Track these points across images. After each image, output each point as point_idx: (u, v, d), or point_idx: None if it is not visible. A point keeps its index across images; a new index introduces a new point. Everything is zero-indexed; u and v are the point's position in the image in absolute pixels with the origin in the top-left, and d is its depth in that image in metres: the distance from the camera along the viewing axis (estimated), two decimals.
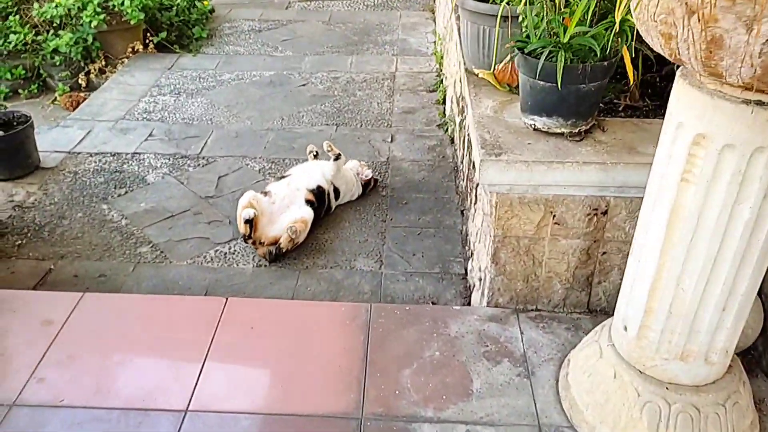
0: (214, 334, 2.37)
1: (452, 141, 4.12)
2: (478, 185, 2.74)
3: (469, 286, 2.90)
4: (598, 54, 2.01)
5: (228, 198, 3.52)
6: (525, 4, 2.20)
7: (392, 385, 2.20)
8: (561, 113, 2.20)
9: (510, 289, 2.47)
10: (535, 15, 2.19)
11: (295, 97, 4.98)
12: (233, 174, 3.74)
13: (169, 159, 3.88)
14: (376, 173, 3.77)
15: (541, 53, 2.14)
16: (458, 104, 3.83)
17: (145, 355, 2.29)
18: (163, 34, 5.83)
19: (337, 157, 3.37)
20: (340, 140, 4.10)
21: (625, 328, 1.90)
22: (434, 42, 6.18)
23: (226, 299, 2.57)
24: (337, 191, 3.42)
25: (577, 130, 2.24)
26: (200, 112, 4.65)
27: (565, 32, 2.06)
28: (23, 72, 5.59)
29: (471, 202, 2.96)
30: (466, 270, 3.01)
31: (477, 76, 2.73)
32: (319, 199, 3.26)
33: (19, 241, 3.16)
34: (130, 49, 5.73)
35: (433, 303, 2.82)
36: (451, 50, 4.50)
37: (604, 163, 2.14)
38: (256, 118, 4.58)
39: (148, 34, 5.85)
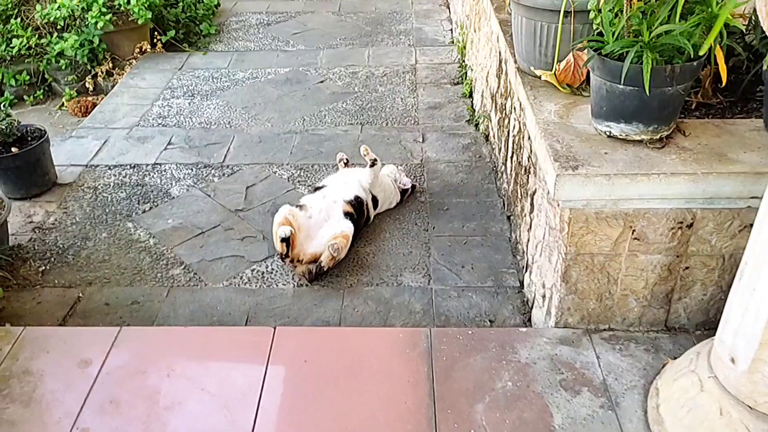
0: (266, 371, 2.20)
1: (487, 138, 3.91)
2: (535, 193, 2.55)
3: (527, 300, 2.72)
4: (691, 54, 1.81)
5: (259, 211, 3.32)
6: None
7: (466, 424, 2.02)
8: (642, 119, 2.00)
9: (581, 308, 2.28)
10: (610, 11, 1.98)
11: (315, 95, 4.76)
12: (261, 184, 3.54)
13: (191, 169, 3.68)
14: (412, 176, 3.57)
15: (620, 54, 1.93)
16: (493, 100, 3.63)
17: (195, 398, 2.11)
18: (171, 33, 5.61)
19: (374, 163, 3.17)
20: (369, 142, 3.89)
21: (733, 360, 1.71)
22: (450, 30, 5.95)
23: (274, 329, 2.39)
24: (375, 200, 3.22)
25: (658, 137, 2.05)
26: (217, 115, 4.44)
27: (648, 30, 1.85)
28: (28, 77, 5.37)
29: (525, 211, 2.77)
30: (521, 282, 2.82)
31: (535, 77, 2.52)
32: (357, 210, 3.06)
33: (43, 267, 2.98)
34: (137, 50, 5.51)
35: (491, 321, 2.64)
36: (478, 41, 4.28)
37: (695, 174, 1.95)
38: (277, 120, 4.38)
39: (156, 34, 5.62)
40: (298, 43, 5.78)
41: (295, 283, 2.85)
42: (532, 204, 2.66)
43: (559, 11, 2.33)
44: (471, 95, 4.65)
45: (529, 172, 2.71)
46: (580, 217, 2.09)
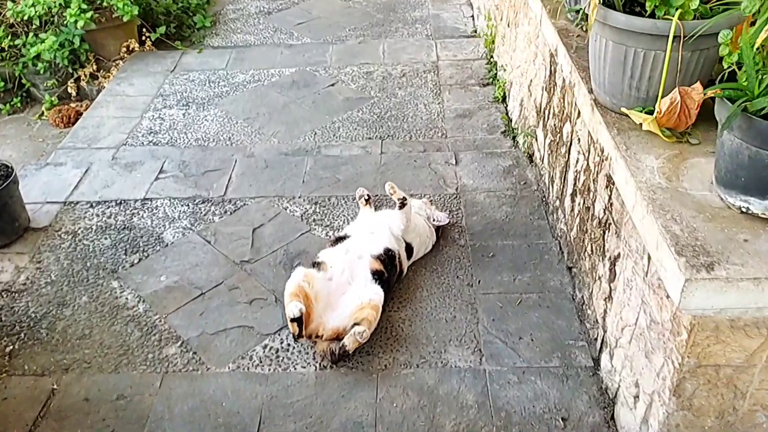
0: None
1: (531, 159, 3.35)
2: (618, 258, 2.01)
3: (606, 388, 2.19)
4: None
5: (268, 262, 2.78)
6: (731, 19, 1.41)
7: None
8: None
9: (695, 425, 1.76)
10: (757, 49, 1.41)
11: (326, 101, 4.19)
12: (270, 224, 2.99)
13: (188, 205, 3.12)
14: (446, 210, 3.01)
15: None
16: (540, 115, 3.07)
17: None
18: (162, 29, 5.01)
19: (403, 204, 2.62)
20: (393, 166, 3.34)
21: None
22: (472, 17, 5.34)
23: None
24: (409, 248, 2.68)
25: None
26: (216, 129, 3.88)
27: None
28: (2, 83, 4.79)
29: (600, 274, 2.22)
30: (594, 361, 2.29)
31: (621, 114, 1.96)
32: (388, 266, 2.52)
33: (11, 346, 2.45)
34: (124, 49, 4.92)
35: (563, 420, 2.11)
36: (513, 38, 3.68)
37: None
38: (284, 135, 3.82)
39: (144, 30, 5.02)
40: (303, 36, 5.18)
41: (317, 365, 2.33)
42: (613, 271, 2.11)
43: (662, 36, 1.75)
44: (504, 100, 4.07)
45: (607, 228, 2.16)
46: (708, 325, 1.55)
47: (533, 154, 3.32)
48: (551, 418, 2.13)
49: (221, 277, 2.71)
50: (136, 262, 2.80)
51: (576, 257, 2.57)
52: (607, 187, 2.16)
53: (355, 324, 2.28)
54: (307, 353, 2.37)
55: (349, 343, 2.24)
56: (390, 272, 2.52)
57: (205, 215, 3.06)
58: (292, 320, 2.26)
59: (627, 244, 1.96)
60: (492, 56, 4.56)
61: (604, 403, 2.17)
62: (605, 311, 2.22)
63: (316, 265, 2.50)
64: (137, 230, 2.99)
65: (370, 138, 3.78)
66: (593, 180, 2.32)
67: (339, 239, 2.63)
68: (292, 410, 2.18)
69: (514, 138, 3.69)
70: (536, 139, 3.23)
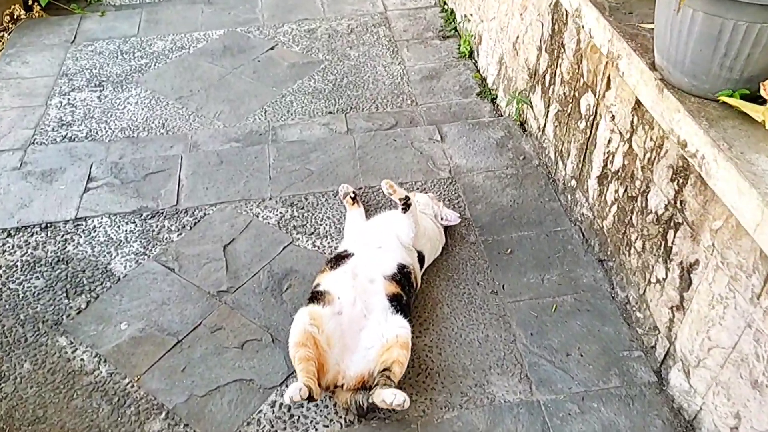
0: None
1: (523, 128, 2.97)
2: (695, 266, 1.70)
3: (678, 407, 1.92)
4: None
5: (252, 289, 2.30)
6: None
7: None
8: None
9: None
10: None
11: (268, 70, 3.63)
12: (242, 238, 2.49)
13: (134, 222, 2.56)
14: (445, 201, 2.61)
15: None
16: (535, 80, 2.70)
17: None
18: None
19: (407, 206, 2.19)
20: (371, 148, 2.89)
21: None
22: None
23: None
24: (420, 257, 2.28)
25: None
26: (143, 114, 3.27)
27: None
28: None
29: (661, 278, 1.92)
30: (657, 374, 2.01)
31: (706, 99, 1.61)
32: (405, 285, 2.11)
33: None
34: (7, 18, 4.09)
35: None
36: None
37: None
38: (229, 116, 3.26)
39: None
40: None
41: (342, 420, 1.92)
42: (686, 279, 1.81)
43: None
44: (472, 55, 3.64)
45: (673, 228, 1.84)
46: None
47: (526, 122, 2.95)
48: None
49: (198, 315, 2.21)
50: (83, 307, 2.25)
51: (611, 250, 2.25)
52: (673, 180, 1.83)
53: (385, 370, 1.88)
54: (327, 406, 1.96)
55: (380, 403, 1.83)
56: (408, 293, 2.12)
57: (158, 233, 2.51)
58: (304, 399, 1.81)
59: (719, 255, 1.64)
60: (446, 3, 4.08)
61: (681, 426, 1.90)
62: (671, 320, 1.92)
63: (318, 296, 2.06)
64: (76, 263, 2.40)
65: (331, 112, 3.28)
66: (643, 168, 1.97)
67: (339, 258, 2.18)
68: None
69: (493, 101, 3.30)
70: (531, 107, 2.85)
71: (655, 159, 1.91)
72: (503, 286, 2.31)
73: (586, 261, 2.39)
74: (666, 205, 1.88)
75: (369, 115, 3.25)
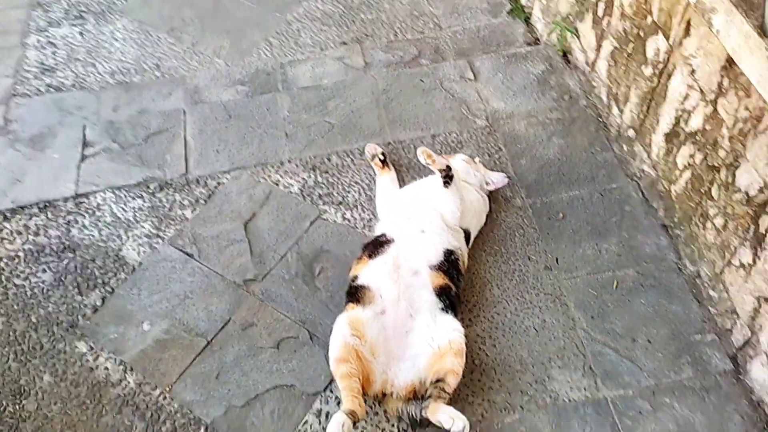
0: None
1: (566, 59, 2.63)
2: None
3: (758, 401, 1.78)
4: None
5: (282, 276, 2.10)
6: None
7: None
8: None
9: None
10: None
11: None
12: (264, 212, 2.25)
13: (141, 196, 2.31)
14: (485, 155, 2.34)
15: None
16: (583, 2, 2.32)
17: None
18: None
19: (448, 178, 1.94)
20: (395, 91, 2.60)
21: None
22: None
23: None
24: (467, 235, 2.04)
25: None
26: (134, 53, 2.92)
27: None
28: None
29: (756, 271, 1.70)
30: (733, 361, 1.84)
31: None
32: (453, 274, 1.90)
33: None
34: None
35: None
36: None
37: None
38: (230, 52, 2.91)
39: None
40: None
41: (395, 427, 1.78)
42: None
43: None
44: None
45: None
46: None
47: (570, 52, 2.60)
48: None
49: (225, 311, 2.01)
50: (99, 304, 2.05)
51: (680, 217, 2.02)
52: None
53: (439, 381, 1.71)
54: (377, 413, 1.82)
55: (435, 421, 1.67)
56: (457, 283, 1.91)
57: (170, 210, 2.27)
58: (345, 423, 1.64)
59: None
60: None
61: (762, 421, 1.76)
62: (756, 311, 1.73)
63: (356, 292, 1.85)
64: (84, 250, 2.18)
65: (344, 43, 2.91)
66: (732, 139, 1.69)
67: (378, 245, 1.94)
68: None
69: (526, 21, 2.91)
70: (578, 36, 2.49)
71: (749, 132, 1.63)
72: (557, 259, 2.09)
73: (648, 226, 2.16)
74: (762, 188, 1.62)
75: (387, 44, 2.89)
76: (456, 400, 1.78)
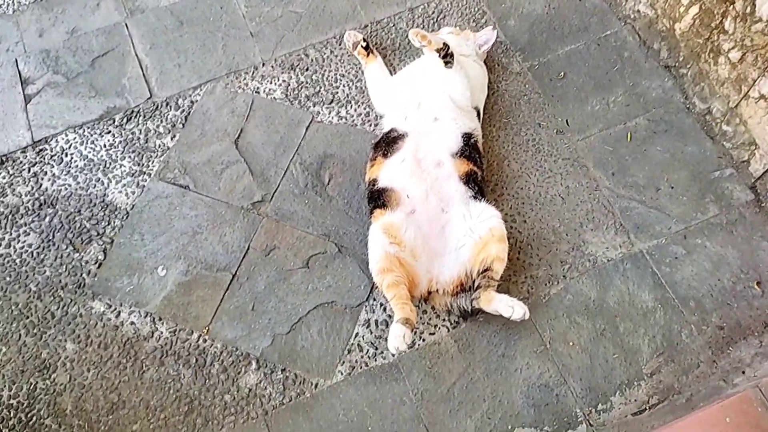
0: None
1: None
2: None
3: None
4: None
5: (291, 191, 1.98)
6: None
7: None
8: None
9: None
10: None
11: None
12: (252, 125, 2.08)
13: (109, 131, 2.09)
14: (470, 22, 2.20)
15: None
16: None
17: None
18: None
19: (448, 56, 1.82)
20: None
21: None
22: None
23: None
24: (478, 113, 1.96)
25: None
26: None
27: None
28: None
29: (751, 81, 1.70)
30: (752, 191, 1.90)
31: None
32: (476, 157, 1.83)
33: None
34: None
35: (758, 284, 1.79)
36: None
37: None
38: None
39: None
40: None
41: (448, 324, 1.79)
42: None
43: None
44: None
45: None
46: None
47: None
48: (744, 288, 1.79)
49: (242, 239, 1.90)
50: (101, 258, 1.89)
51: (685, 55, 1.97)
52: None
53: (486, 270, 1.68)
54: (425, 311, 1.80)
55: (492, 310, 1.67)
56: (481, 166, 1.84)
57: (146, 141, 2.06)
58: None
59: None
60: None
61: None
62: None
63: (380, 196, 1.76)
64: (64, 202, 1.98)
65: None
66: None
67: (391, 142, 1.83)
68: (457, 400, 1.69)
69: None
70: None
71: None
72: (567, 121, 2.04)
73: (649, 69, 2.10)
74: None
75: None
76: (499, 282, 1.76)
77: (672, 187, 1.91)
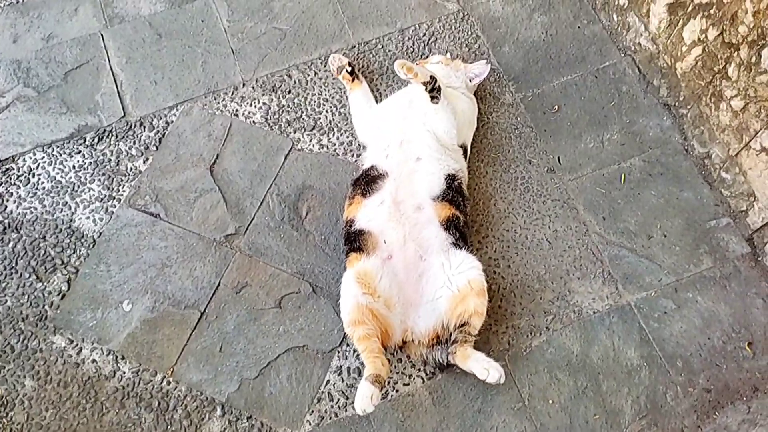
0: None
1: None
2: None
3: None
4: None
5: (266, 223, 1.90)
6: None
7: None
8: None
9: None
10: None
11: None
12: (228, 150, 1.99)
13: (78, 151, 2.00)
14: (462, 46, 2.10)
15: None
16: None
17: None
18: None
19: (435, 90, 1.72)
20: None
21: None
22: None
23: None
24: (465, 151, 1.86)
25: None
26: None
27: None
28: None
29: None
30: (749, 243, 1.81)
31: None
32: (459, 201, 1.74)
33: None
34: None
35: (749, 345, 1.71)
36: None
37: None
38: None
39: None
40: None
41: (422, 375, 1.71)
42: None
43: None
44: None
45: None
46: None
47: None
48: (735, 348, 1.71)
49: (212, 273, 1.82)
50: (65, 288, 1.81)
51: (686, 96, 1.87)
52: None
53: (463, 325, 1.61)
54: (400, 360, 1.72)
55: (467, 369, 1.59)
56: (464, 210, 1.75)
57: (118, 164, 1.97)
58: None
59: None
60: None
61: None
62: None
63: (356, 239, 1.68)
64: (29, 227, 1.89)
65: None
66: (757, 14, 1.51)
67: (370, 180, 1.73)
68: None
69: None
70: None
71: None
72: (559, 159, 1.94)
73: (648, 106, 2.00)
74: None
75: None
76: (479, 331, 1.67)
77: (665, 235, 1.83)
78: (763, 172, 1.67)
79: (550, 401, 1.65)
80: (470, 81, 1.93)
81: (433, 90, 1.72)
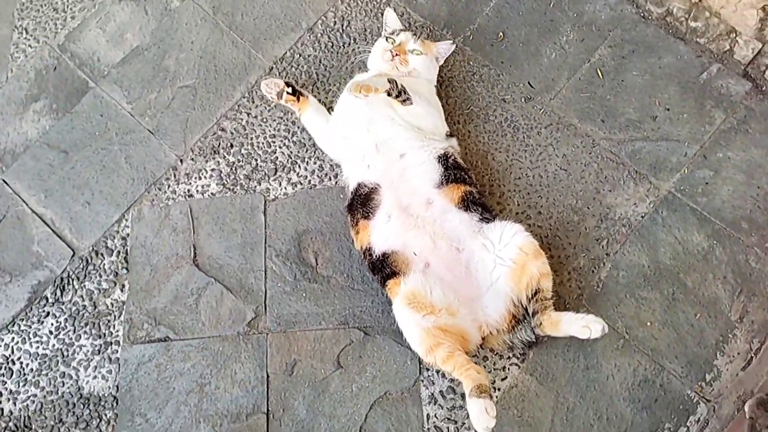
0: None
1: None
2: None
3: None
4: None
5: (280, 290, 1.72)
6: None
7: None
8: None
9: None
10: None
11: None
12: (203, 233, 1.78)
13: (47, 314, 1.77)
14: (374, 15, 1.93)
15: None
16: None
17: None
18: None
19: (401, 93, 1.57)
20: (226, 1, 2.00)
21: None
22: None
23: None
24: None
25: None
26: None
27: None
28: None
29: None
30: (747, 78, 1.74)
31: None
32: (462, 174, 1.60)
33: None
34: None
35: None
36: None
37: None
38: None
39: None
40: None
41: (516, 361, 1.59)
42: None
43: None
44: None
45: None
46: None
47: None
48: None
49: (256, 368, 1.65)
50: None
51: None
52: None
53: (536, 293, 1.48)
54: (486, 357, 1.59)
55: (564, 335, 1.47)
56: (472, 182, 1.61)
57: (96, 306, 1.75)
58: None
59: None
60: None
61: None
62: (763, 21, 1.57)
63: (384, 266, 1.52)
64: (38, 419, 1.68)
65: None
66: None
67: (364, 200, 1.57)
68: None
69: None
70: None
71: None
72: (530, 83, 1.82)
73: None
74: None
75: None
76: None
77: (667, 109, 1.74)
78: (738, 5, 1.57)
79: (648, 323, 1.56)
80: (436, 60, 1.75)
81: (399, 94, 1.56)
